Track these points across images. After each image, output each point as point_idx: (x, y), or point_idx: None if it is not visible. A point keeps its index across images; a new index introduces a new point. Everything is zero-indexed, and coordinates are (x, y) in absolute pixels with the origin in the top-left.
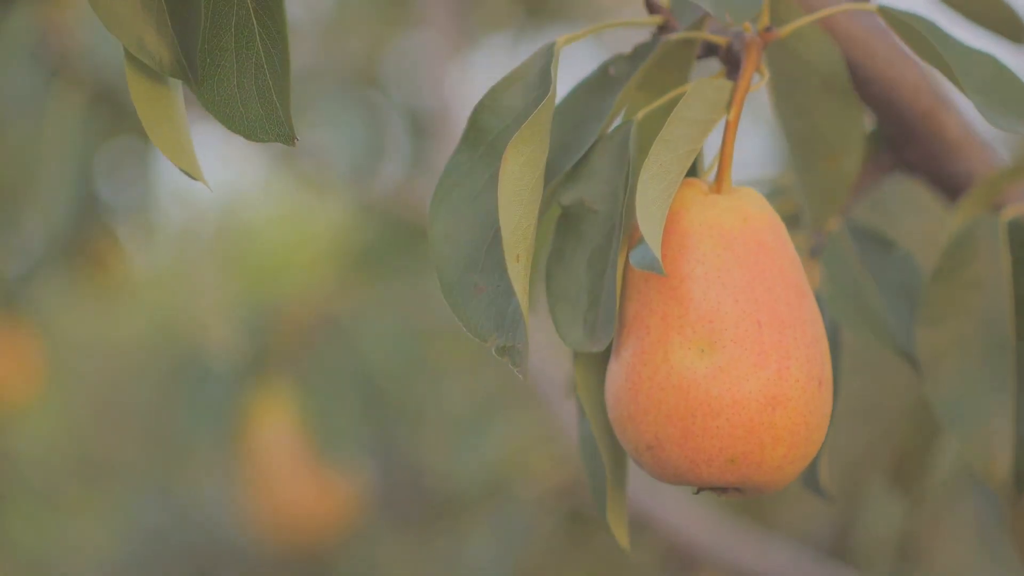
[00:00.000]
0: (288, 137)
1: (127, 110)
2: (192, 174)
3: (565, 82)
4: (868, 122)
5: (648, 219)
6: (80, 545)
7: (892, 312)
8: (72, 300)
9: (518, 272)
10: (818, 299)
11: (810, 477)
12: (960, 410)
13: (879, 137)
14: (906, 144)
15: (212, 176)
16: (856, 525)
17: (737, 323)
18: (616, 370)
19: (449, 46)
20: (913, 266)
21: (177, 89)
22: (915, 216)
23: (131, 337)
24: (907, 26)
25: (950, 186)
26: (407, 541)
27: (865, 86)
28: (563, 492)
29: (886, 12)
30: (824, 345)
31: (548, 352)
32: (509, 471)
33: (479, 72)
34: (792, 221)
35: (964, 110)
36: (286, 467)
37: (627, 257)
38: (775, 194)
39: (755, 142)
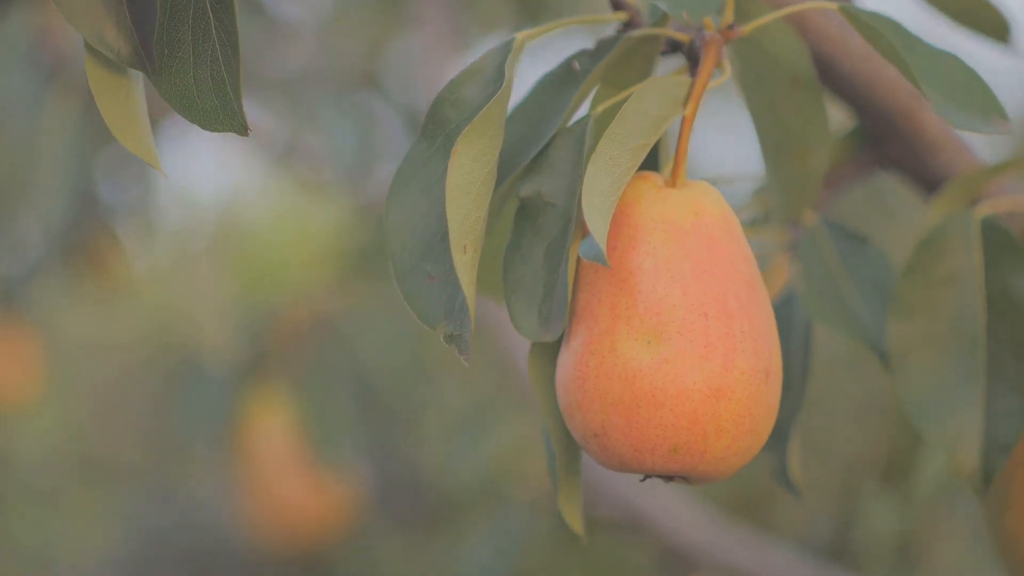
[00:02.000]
0: (242, 127)
1: None
2: (150, 162)
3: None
4: (847, 119)
5: (594, 211)
6: (80, 545)
7: (866, 307)
8: (72, 300)
9: (465, 263)
10: (792, 295)
11: (780, 473)
12: (930, 405)
13: (860, 134)
14: (886, 141)
15: (210, 178)
16: (854, 526)
17: (684, 315)
18: (566, 360)
19: (446, 47)
20: (887, 262)
21: (137, 80)
22: (912, 212)
23: (130, 337)
24: (867, 25)
25: (929, 183)
26: (404, 542)
27: (843, 83)
28: None
29: (847, 11)
30: (773, 338)
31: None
32: (506, 472)
33: None
34: (765, 217)
35: None
36: (283, 468)
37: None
38: (761, 190)
39: (745, 139)
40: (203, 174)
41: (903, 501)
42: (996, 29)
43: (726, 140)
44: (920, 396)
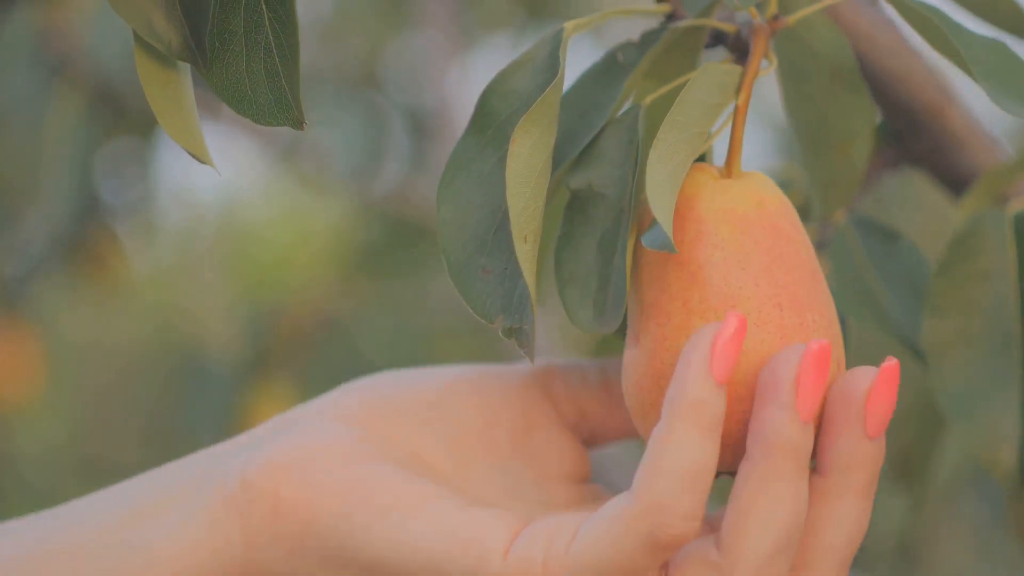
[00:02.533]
0: (297, 121)
1: (128, 110)
2: (201, 158)
3: (568, 75)
4: (875, 115)
5: (658, 199)
6: None
7: (898, 304)
8: (72, 300)
9: (526, 253)
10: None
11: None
12: (965, 402)
13: (885, 130)
14: (912, 138)
15: (212, 176)
16: None
17: (759, 307)
18: (635, 357)
19: (449, 46)
20: (919, 257)
21: (186, 73)
22: (914, 212)
23: (131, 337)
24: (917, 13)
25: (956, 180)
26: None
27: (871, 79)
28: None
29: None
30: (838, 328)
31: (549, 354)
32: None
33: (479, 72)
34: (799, 214)
35: (970, 104)
36: None
37: (638, 242)
38: (780, 186)
39: (758, 135)
40: (205, 172)
41: (915, 499)
42: (1015, 23)
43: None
44: (955, 393)
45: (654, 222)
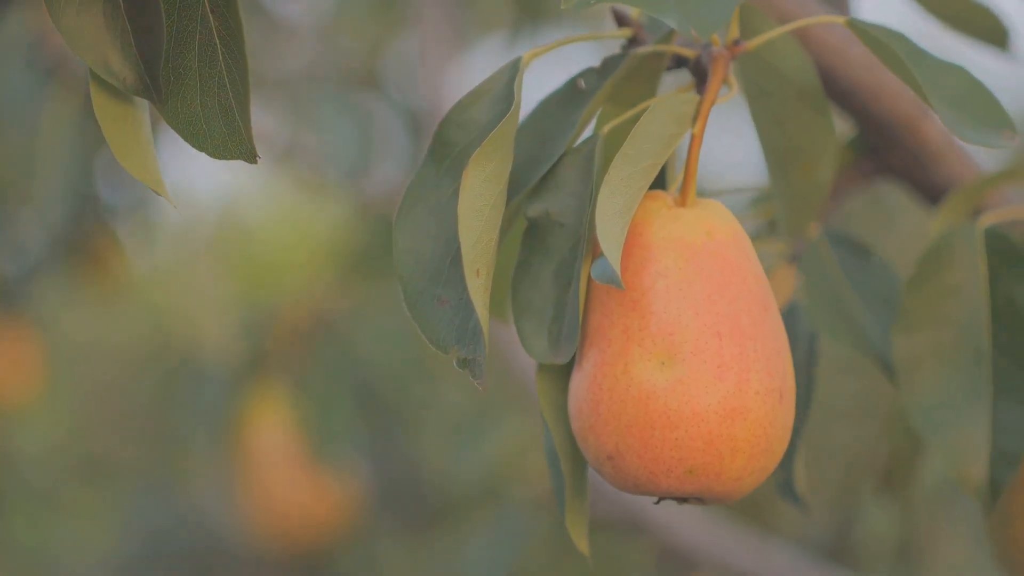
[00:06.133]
0: (251, 155)
1: None
2: (157, 190)
3: (542, 96)
4: (848, 129)
5: (608, 233)
6: (80, 545)
7: (870, 319)
8: (72, 300)
9: (478, 286)
10: (796, 307)
11: (786, 486)
12: (936, 418)
13: (861, 144)
14: (888, 151)
15: (210, 177)
16: (854, 527)
17: (697, 336)
18: (578, 381)
19: (446, 47)
20: (891, 273)
21: (143, 107)
22: (912, 217)
23: (130, 337)
24: (875, 39)
25: (932, 192)
26: (404, 543)
27: (844, 94)
28: None
29: (854, 25)
30: (786, 358)
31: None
32: (507, 473)
33: (476, 73)
34: (774, 228)
35: None
36: (283, 468)
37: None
38: (761, 200)
39: (747, 147)
40: (203, 174)
41: (902, 505)
42: (995, 35)
43: (726, 145)
44: (926, 409)
45: (603, 253)
